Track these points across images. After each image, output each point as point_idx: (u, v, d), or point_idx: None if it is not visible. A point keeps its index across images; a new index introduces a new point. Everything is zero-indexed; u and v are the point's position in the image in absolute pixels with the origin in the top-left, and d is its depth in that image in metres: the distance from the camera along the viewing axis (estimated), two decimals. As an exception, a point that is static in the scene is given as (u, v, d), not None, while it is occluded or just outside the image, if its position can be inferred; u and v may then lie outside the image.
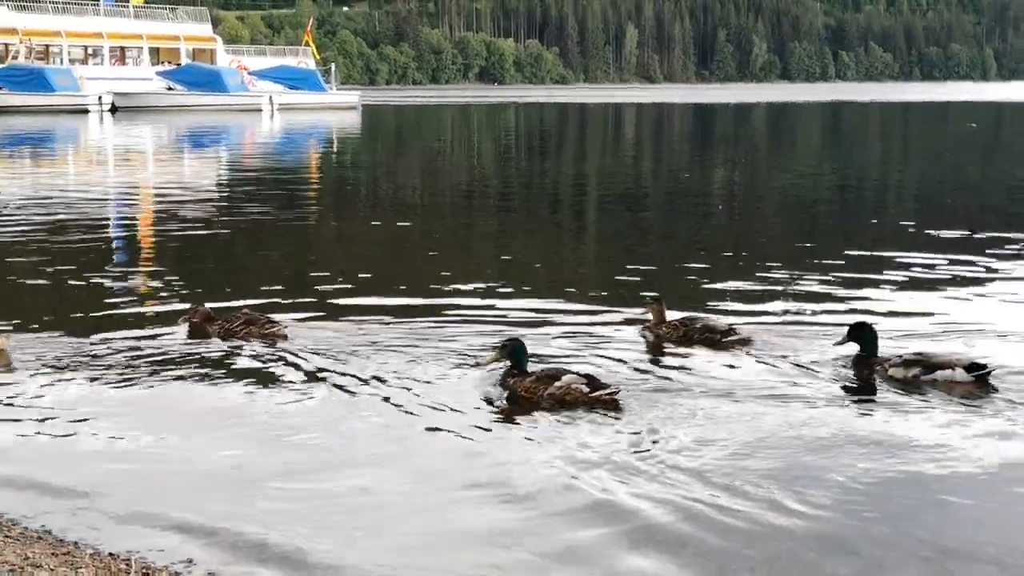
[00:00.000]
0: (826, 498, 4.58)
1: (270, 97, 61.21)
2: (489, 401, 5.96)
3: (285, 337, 7.41)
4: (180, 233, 12.77)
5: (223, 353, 7.03)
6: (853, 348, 6.70)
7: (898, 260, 10.71)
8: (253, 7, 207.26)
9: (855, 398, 6.09)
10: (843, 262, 10.65)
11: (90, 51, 63.35)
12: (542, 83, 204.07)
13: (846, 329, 6.81)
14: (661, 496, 4.58)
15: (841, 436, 5.35)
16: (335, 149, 31.64)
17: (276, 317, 7.65)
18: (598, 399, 5.67)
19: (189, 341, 7.35)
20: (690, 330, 7.21)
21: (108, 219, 14.62)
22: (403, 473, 4.89)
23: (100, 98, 55.05)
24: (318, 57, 74.55)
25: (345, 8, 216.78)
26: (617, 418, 5.57)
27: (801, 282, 9.52)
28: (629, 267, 10.34)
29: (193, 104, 57.78)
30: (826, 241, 12.66)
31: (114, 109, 55.34)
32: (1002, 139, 38.53)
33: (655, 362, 6.80)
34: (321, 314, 8.21)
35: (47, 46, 61.04)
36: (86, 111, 53.26)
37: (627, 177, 22.22)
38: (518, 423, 5.62)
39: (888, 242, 12.02)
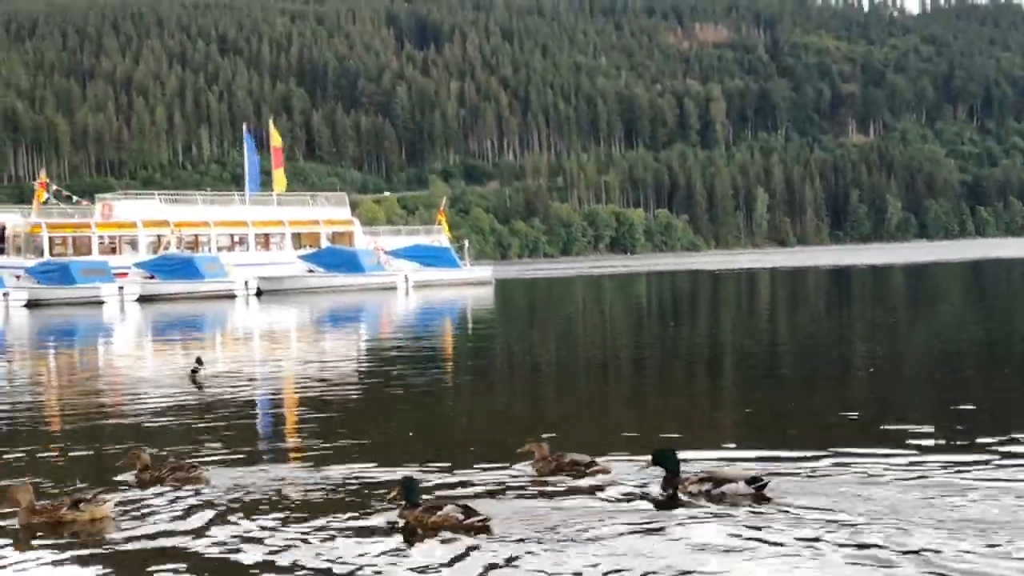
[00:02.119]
0: None
1: (405, 275, 62.82)
2: (389, 529, 7.07)
3: (207, 481, 8.38)
4: (320, 401, 13.15)
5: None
6: (659, 471, 7.93)
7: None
8: (389, 190, 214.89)
9: (647, 508, 7.44)
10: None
11: (236, 238, 66.12)
12: (673, 251, 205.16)
13: (649, 456, 8.08)
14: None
15: (635, 536, 6.72)
16: (469, 322, 32.19)
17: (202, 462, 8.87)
18: (471, 525, 6.77)
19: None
20: (560, 464, 8.46)
21: (253, 392, 15.17)
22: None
23: (246, 283, 57.26)
24: (451, 235, 76.45)
25: (477, 187, 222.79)
26: (486, 539, 6.71)
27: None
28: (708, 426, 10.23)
29: (332, 285, 59.63)
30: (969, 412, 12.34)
31: (259, 293, 57.43)
32: None
33: (530, 490, 8.08)
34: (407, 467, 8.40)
35: (196, 236, 64.00)
36: (233, 296, 55.37)
37: (761, 341, 22.08)
38: (404, 546, 6.76)
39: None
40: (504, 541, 6.70)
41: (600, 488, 8.02)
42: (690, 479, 7.65)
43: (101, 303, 51.91)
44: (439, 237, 73.27)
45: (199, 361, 17.11)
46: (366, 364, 19.55)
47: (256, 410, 13.86)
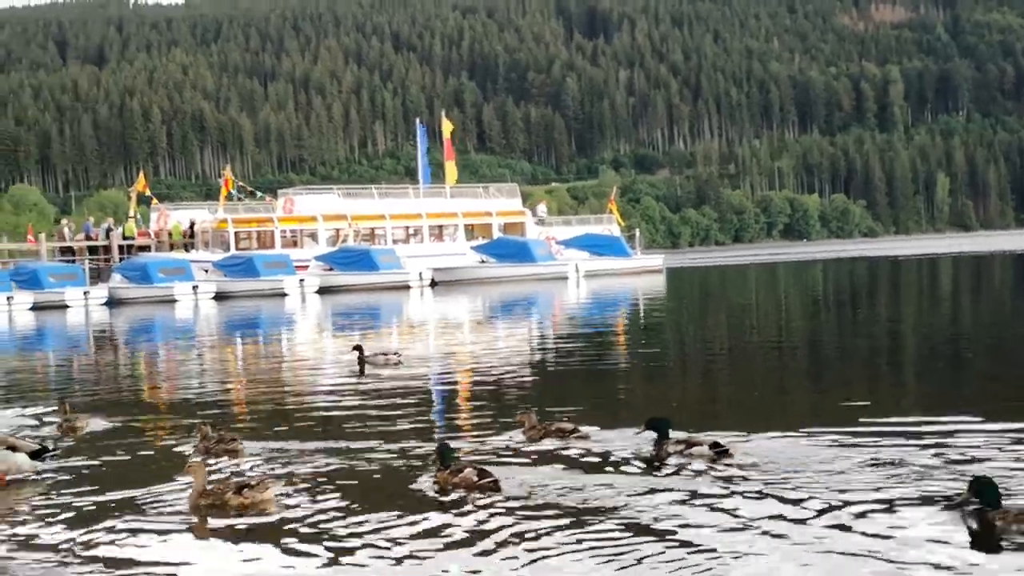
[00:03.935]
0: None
1: (576, 265, 62.92)
2: (420, 488, 8.00)
3: (243, 452, 9.64)
4: (493, 382, 13.40)
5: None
6: (651, 435, 8.92)
7: None
8: (559, 180, 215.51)
9: (633, 466, 8.47)
10: None
11: (411, 231, 67.40)
12: (850, 237, 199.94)
13: (645, 421, 9.08)
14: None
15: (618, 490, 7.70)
16: (641, 311, 32.13)
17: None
18: (484, 484, 7.74)
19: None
20: (547, 432, 9.66)
21: (428, 372, 15.76)
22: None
23: (420, 274, 58.27)
24: (622, 223, 76.22)
25: (647, 176, 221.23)
26: (495, 492, 7.72)
27: None
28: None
29: (504, 275, 60.16)
30: None
31: (433, 283, 58.40)
32: None
33: (526, 453, 9.19)
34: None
35: (372, 228, 65.50)
36: (408, 287, 56.45)
37: (946, 329, 21.41)
38: (432, 499, 7.74)
39: None
40: (508, 494, 7.68)
41: (601, 454, 9.03)
42: (670, 441, 8.74)
43: (284, 295, 53.64)
44: (610, 226, 73.14)
45: (358, 348, 17.35)
46: (539, 349, 19.77)
47: (429, 389, 14.25)
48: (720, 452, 8.53)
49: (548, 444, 9.44)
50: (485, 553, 6.36)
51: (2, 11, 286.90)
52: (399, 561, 6.31)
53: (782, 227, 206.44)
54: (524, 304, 37.91)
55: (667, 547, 6.25)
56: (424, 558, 6.33)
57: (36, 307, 49.17)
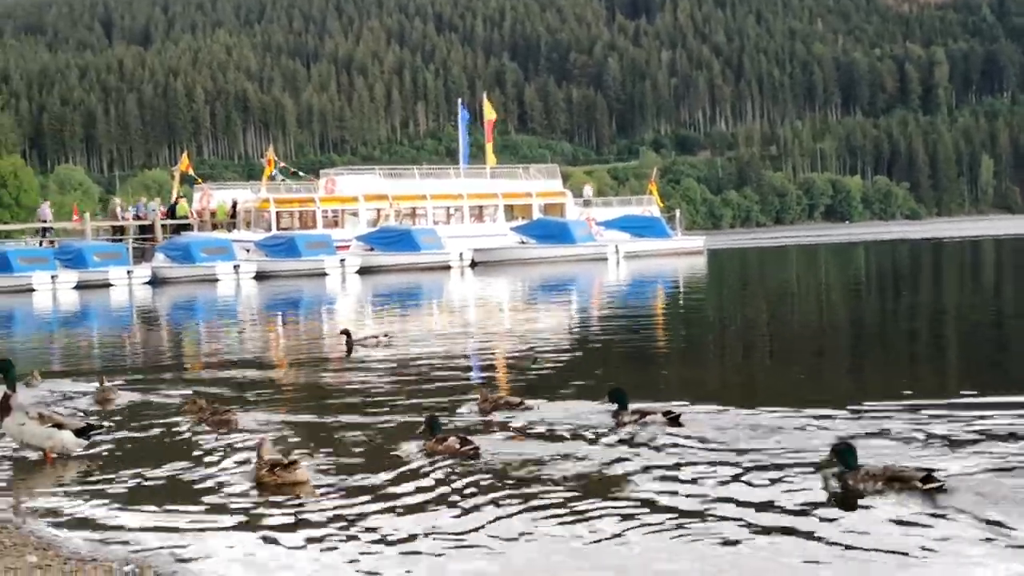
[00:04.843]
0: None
1: (616, 246, 62.67)
2: (409, 455, 8.61)
3: (237, 423, 10.08)
4: (528, 362, 13.46)
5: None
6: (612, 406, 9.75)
7: None
8: (599, 161, 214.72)
9: (593, 433, 9.15)
10: None
11: (451, 211, 67.46)
12: (892, 219, 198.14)
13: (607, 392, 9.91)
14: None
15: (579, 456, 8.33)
16: (681, 292, 32.07)
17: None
18: (465, 452, 8.39)
19: None
20: (496, 404, 10.47)
21: (468, 353, 15.89)
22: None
23: (461, 254, 58.32)
24: (662, 204, 75.92)
25: (688, 157, 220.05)
26: (475, 458, 8.31)
27: None
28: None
29: (543, 256, 60.11)
30: None
31: (473, 264, 58.46)
32: None
33: (490, 423, 9.87)
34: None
35: (413, 208, 65.62)
36: (448, 267, 56.56)
37: (990, 313, 21.26)
38: (420, 465, 8.22)
39: None
40: (486, 458, 8.33)
41: (565, 424, 9.65)
42: (627, 412, 9.51)
43: (324, 275, 53.85)
44: (650, 208, 72.87)
45: (346, 332, 17.42)
46: (577, 330, 19.81)
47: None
48: (672, 420, 9.27)
49: (533, 418, 9.94)
50: (453, 503, 7.10)
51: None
52: (390, 512, 6.95)
53: (824, 209, 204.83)
54: (565, 285, 37.91)
55: (626, 505, 6.79)
56: (415, 513, 6.90)
57: (80, 286, 49.69)
